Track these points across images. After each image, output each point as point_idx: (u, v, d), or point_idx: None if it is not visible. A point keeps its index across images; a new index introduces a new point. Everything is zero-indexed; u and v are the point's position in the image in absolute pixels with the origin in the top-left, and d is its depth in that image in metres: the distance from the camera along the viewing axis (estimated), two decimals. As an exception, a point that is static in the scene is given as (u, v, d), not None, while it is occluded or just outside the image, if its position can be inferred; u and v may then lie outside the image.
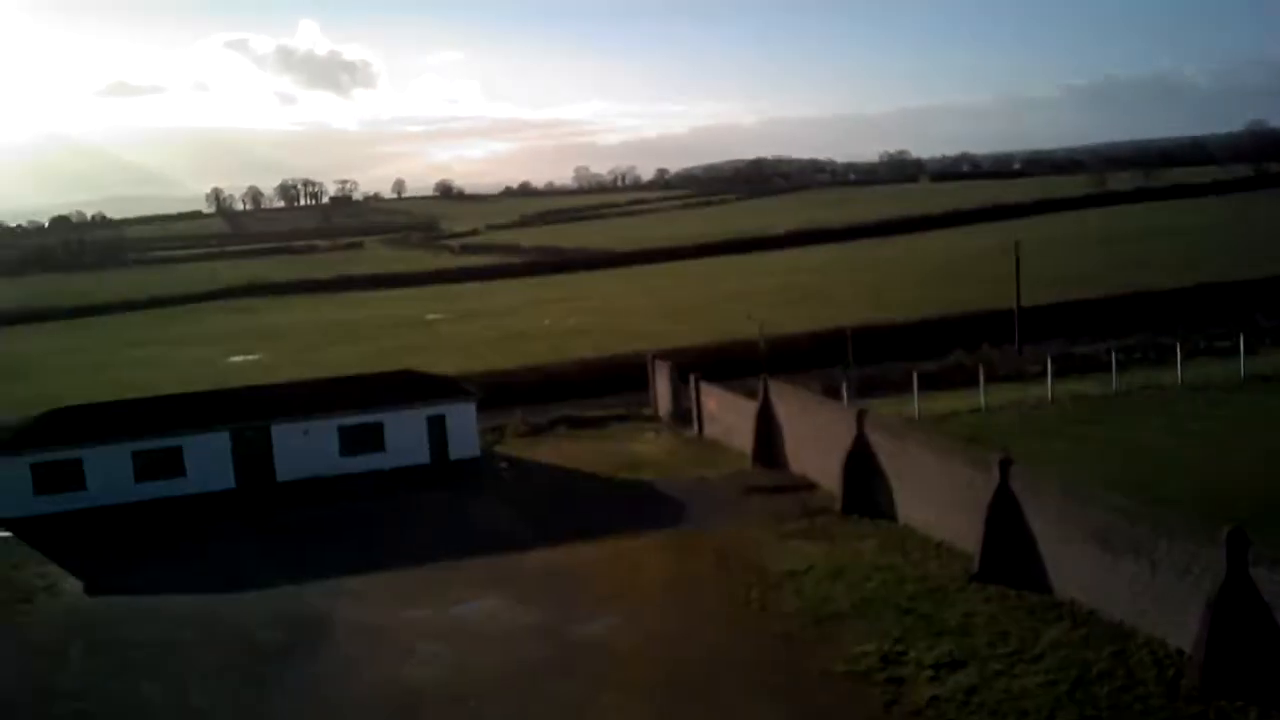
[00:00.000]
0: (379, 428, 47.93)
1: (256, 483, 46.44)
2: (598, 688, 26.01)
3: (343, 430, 47.53)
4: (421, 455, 48.32)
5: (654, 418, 56.14)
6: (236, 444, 46.37)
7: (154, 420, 46.24)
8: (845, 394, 51.45)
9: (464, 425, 49.12)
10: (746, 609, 30.37)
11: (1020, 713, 23.62)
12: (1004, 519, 30.96)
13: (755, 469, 44.67)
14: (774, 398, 45.15)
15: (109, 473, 44.47)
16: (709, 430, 50.90)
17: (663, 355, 57.83)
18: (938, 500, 34.39)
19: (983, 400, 52.09)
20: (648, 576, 33.64)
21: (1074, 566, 28.89)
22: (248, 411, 47.37)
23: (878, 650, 26.82)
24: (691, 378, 52.20)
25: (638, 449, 50.09)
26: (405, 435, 48.09)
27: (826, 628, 28.55)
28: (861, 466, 37.88)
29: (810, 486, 41.43)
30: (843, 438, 38.75)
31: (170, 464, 45.37)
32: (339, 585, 34.43)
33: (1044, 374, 54.10)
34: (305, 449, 46.89)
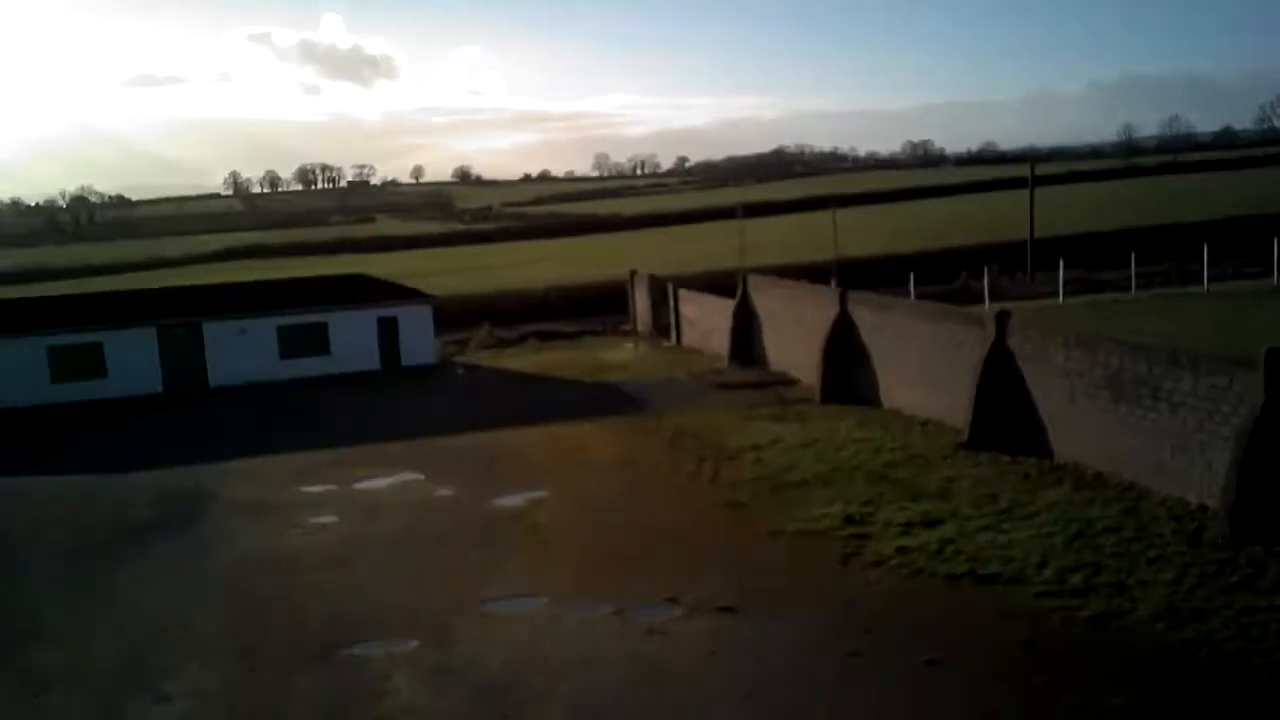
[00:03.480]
0: (323, 329, 43.81)
1: (186, 387, 42.41)
2: (505, 552, 21.74)
3: (283, 331, 43.43)
4: (370, 360, 44.16)
5: (632, 333, 51.72)
6: (164, 343, 42.31)
7: (72, 315, 42.20)
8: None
9: (419, 329, 44.94)
10: (695, 480, 26.02)
11: (1005, 560, 19.21)
12: (998, 378, 26.50)
13: (731, 368, 40.22)
14: (752, 291, 40.68)
15: (22, 371, 40.47)
16: (688, 338, 46.49)
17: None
18: (926, 376, 29.90)
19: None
20: (589, 454, 29.33)
21: (1080, 425, 24.39)
22: (178, 308, 43.29)
23: (841, 512, 22.46)
24: (670, 285, 47.80)
25: (608, 355, 45.72)
26: (352, 338, 43.96)
27: (785, 494, 24.19)
28: (843, 348, 33.39)
29: (790, 382, 36.98)
30: (824, 323, 34.27)
31: (90, 363, 41.40)
32: (238, 466, 30.33)
33: (1056, 293, 49.28)
34: (241, 351, 42.84)
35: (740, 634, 17.07)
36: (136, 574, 22.00)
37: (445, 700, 15.44)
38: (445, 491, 26.55)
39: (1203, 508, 20.82)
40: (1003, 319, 26.62)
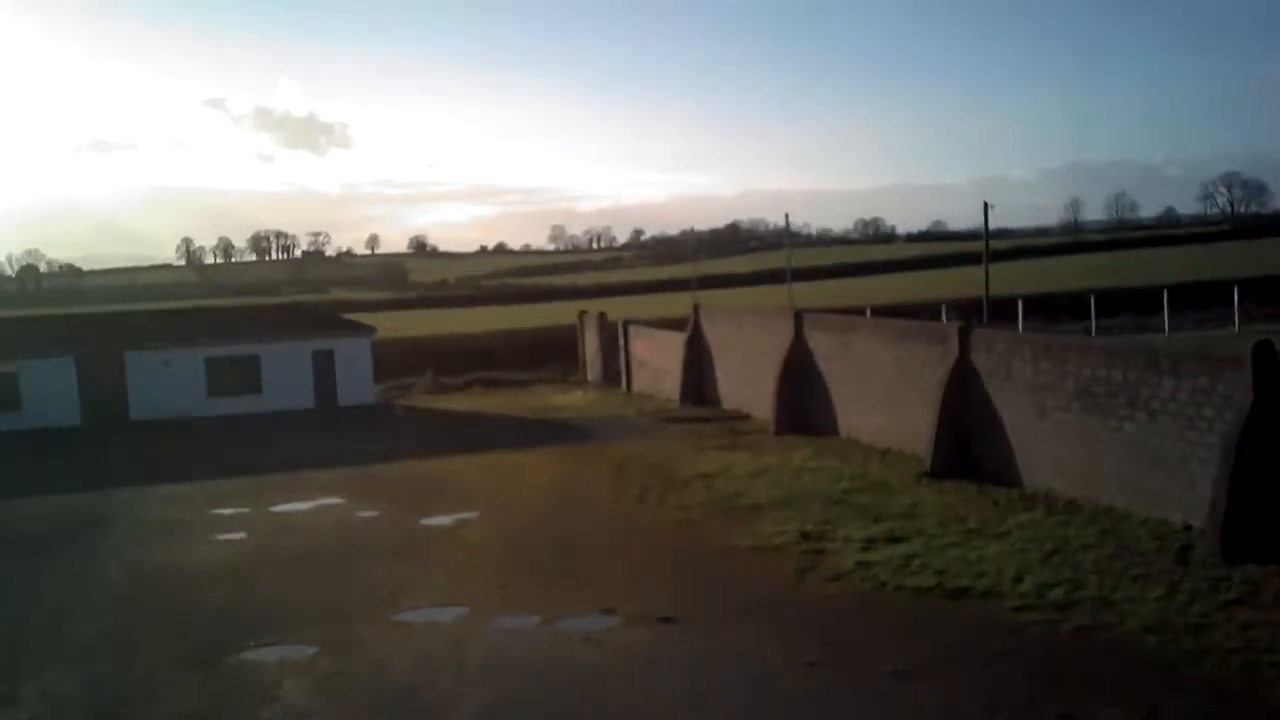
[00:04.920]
0: (254, 362, 41.55)
1: (106, 421, 39.85)
2: (426, 567, 19.64)
3: (211, 364, 41.09)
4: (305, 398, 41.87)
5: (582, 381, 49.81)
6: (83, 372, 39.83)
7: (-16, 341, 39.77)
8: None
9: (357, 364, 42.81)
10: (640, 504, 24.07)
11: (977, 574, 17.42)
12: (962, 399, 24.93)
13: (683, 406, 38.42)
14: (705, 323, 39.09)
15: (-72, 399, 37.89)
16: (639, 382, 44.62)
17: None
18: (888, 402, 28.28)
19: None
20: (527, 479, 27.31)
21: (1050, 445, 22.80)
22: (99, 338, 40.91)
23: (797, 530, 20.62)
24: (620, 324, 46.05)
25: (555, 399, 43.76)
26: (286, 373, 41.71)
27: (737, 515, 22.32)
28: (798, 376, 31.76)
29: (743, 417, 35.23)
30: (779, 351, 32.69)
31: (2, 394, 38.75)
32: (149, 491, 27.95)
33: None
34: (165, 384, 40.40)
35: (684, 644, 15.11)
36: (16, 584, 19.65)
37: (339, 706, 13.31)
38: (368, 513, 24.42)
39: (1187, 528, 19.20)
40: (966, 332, 25.15)
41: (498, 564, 19.58)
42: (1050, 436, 22.78)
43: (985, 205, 61.67)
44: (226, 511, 25.03)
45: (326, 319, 44.48)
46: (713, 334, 38.49)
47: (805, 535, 20.17)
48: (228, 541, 22.26)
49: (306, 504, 25.67)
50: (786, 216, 49.57)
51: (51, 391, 39.21)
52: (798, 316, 32.39)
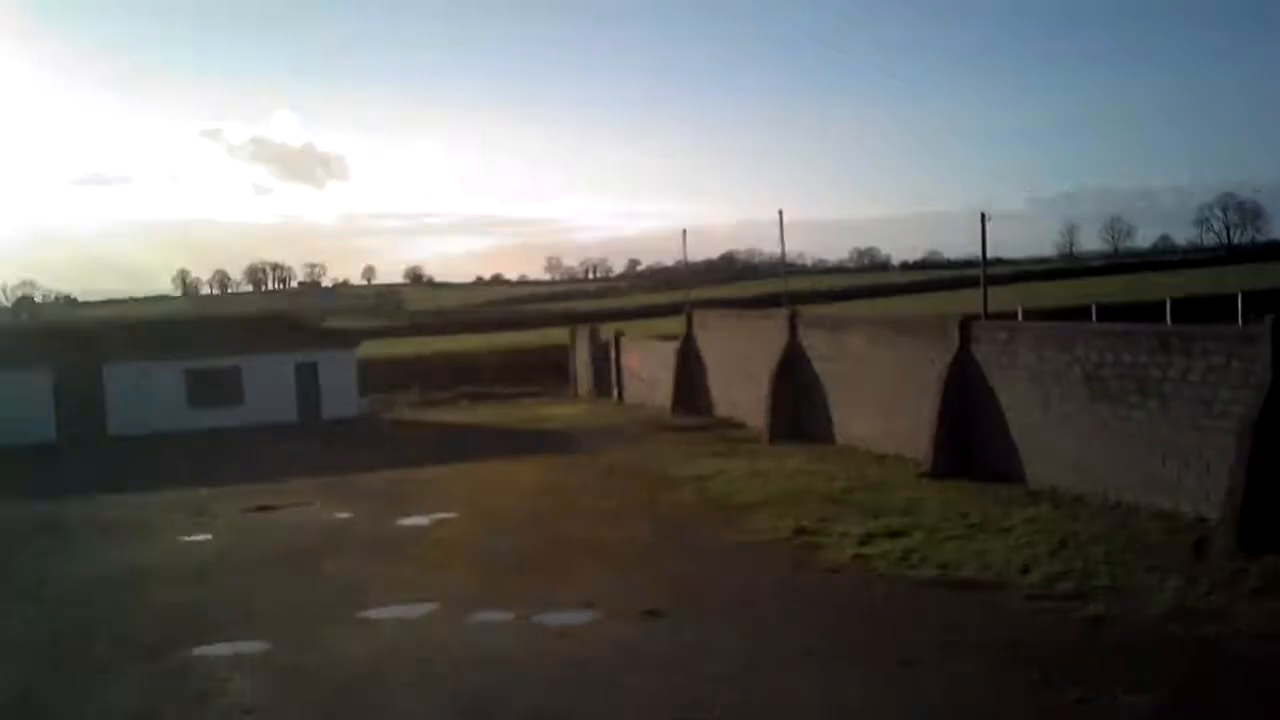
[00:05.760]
0: (235, 375, 40.50)
1: (83, 435, 38.72)
2: (397, 565, 18.53)
3: (191, 376, 40.03)
4: (288, 411, 40.78)
5: (573, 395, 48.78)
6: (58, 386, 38.73)
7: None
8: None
9: (341, 377, 41.79)
10: (628, 505, 22.99)
11: (982, 566, 16.36)
12: (963, 393, 23.93)
13: (675, 415, 37.36)
14: (698, 329, 38.09)
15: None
16: (630, 393, 43.61)
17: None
18: (886, 404, 27.24)
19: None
20: (510, 484, 26.24)
21: (1056, 438, 21.77)
22: (74, 348, 39.86)
23: (792, 526, 19.56)
24: (612, 335, 45.08)
25: (544, 411, 42.69)
26: (268, 386, 40.65)
27: (730, 514, 21.25)
28: (793, 380, 30.75)
29: (737, 425, 34.19)
30: (773, 355, 31.69)
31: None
32: (116, 498, 26.82)
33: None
34: (144, 397, 39.29)
35: (669, 637, 13.99)
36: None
37: (288, 701, 12.19)
38: (343, 515, 23.34)
39: (1201, 520, 18.15)
40: (967, 324, 24.17)
41: (472, 563, 18.49)
42: (1055, 428, 21.76)
43: (982, 215, 61.03)
44: (196, 520, 23.87)
45: (310, 332, 43.48)
46: (705, 341, 37.49)
47: (800, 531, 19.13)
48: (192, 543, 21.15)
49: (277, 508, 24.52)
50: (781, 232, 48.46)
51: (25, 405, 38.04)
52: (792, 317, 31.42)
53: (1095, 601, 14.42)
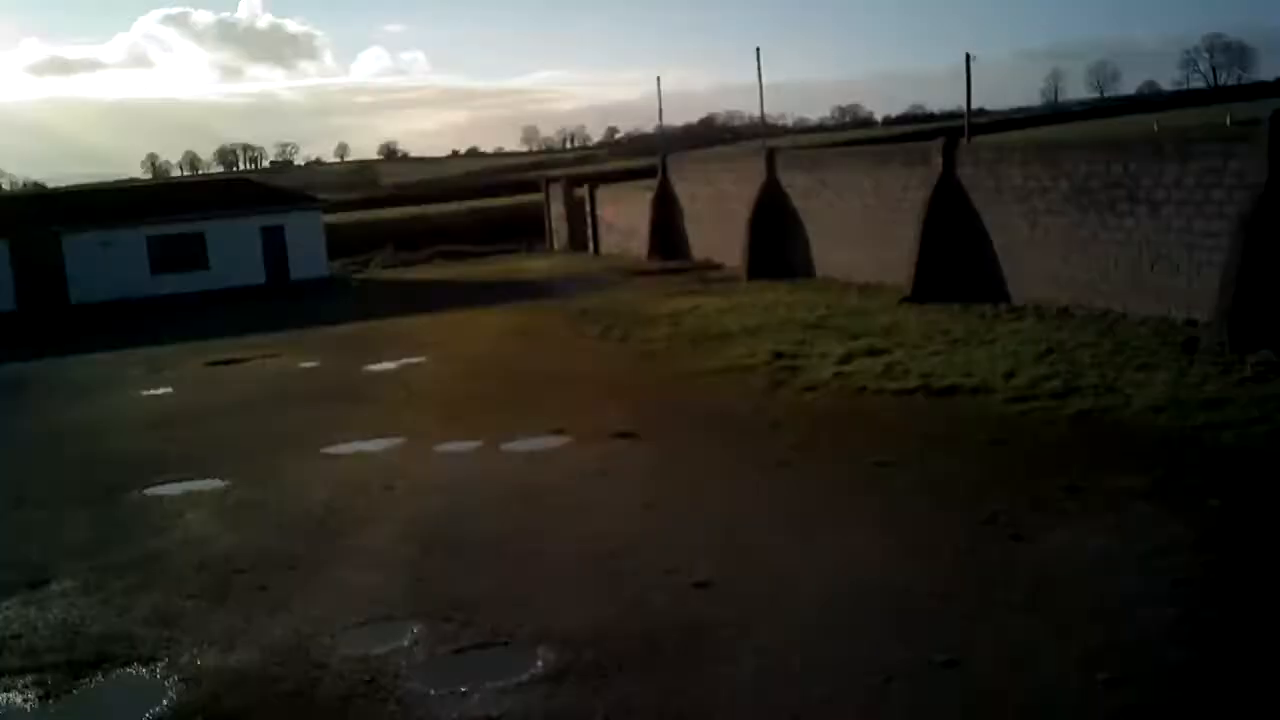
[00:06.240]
0: (199, 239, 39.19)
1: (44, 305, 37.60)
2: (363, 406, 17.87)
3: (153, 242, 38.69)
4: (255, 274, 39.58)
5: (549, 250, 47.73)
6: (17, 256, 37.52)
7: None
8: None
9: (309, 238, 40.51)
10: (601, 341, 22.34)
11: (965, 374, 15.80)
12: (947, 216, 23.13)
13: (651, 260, 36.50)
14: (673, 175, 36.97)
15: None
16: (606, 244, 42.57)
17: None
18: (867, 235, 26.41)
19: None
20: (481, 329, 25.52)
21: (1041, 255, 21.11)
22: (32, 217, 38.53)
23: (769, 350, 18.92)
24: (586, 186, 43.87)
25: (519, 265, 41.74)
26: (234, 249, 39.34)
27: (706, 344, 20.58)
28: (772, 217, 29.82)
29: (715, 267, 33.36)
30: (752, 195, 30.69)
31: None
32: (79, 359, 26.02)
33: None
34: (106, 265, 38.03)
35: (641, 456, 13.45)
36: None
37: (244, 529, 11.64)
38: (309, 364, 22.64)
39: (1191, 323, 17.59)
40: (951, 146, 23.24)
41: (439, 400, 17.88)
42: (1042, 245, 21.07)
43: (966, 56, 59.44)
44: (158, 375, 23.10)
45: (274, 193, 42.09)
46: (682, 187, 36.38)
47: (778, 355, 18.52)
48: (153, 396, 20.47)
49: (242, 360, 23.78)
50: (760, 94, 46.56)
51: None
52: (769, 154, 30.35)
53: (1083, 399, 13.92)
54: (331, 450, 14.91)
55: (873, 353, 17.96)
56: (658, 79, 48.68)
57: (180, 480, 13.87)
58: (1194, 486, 10.37)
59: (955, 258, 22.93)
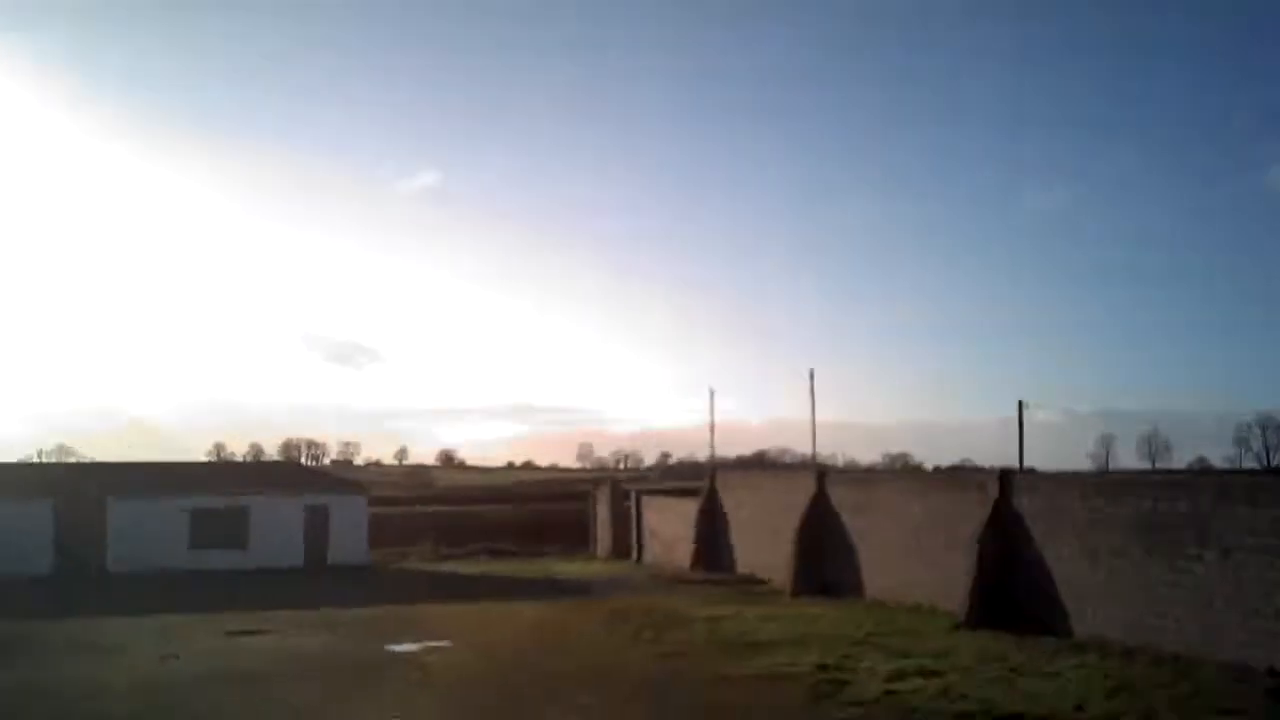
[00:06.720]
0: (242, 515, 39.03)
1: (81, 570, 37.18)
2: (375, 687, 16.77)
3: (196, 515, 38.59)
4: (294, 555, 39.10)
5: (593, 555, 46.80)
6: (60, 520, 37.44)
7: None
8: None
9: (352, 522, 40.23)
10: (633, 641, 21.18)
11: (1030, 701, 14.48)
12: (1002, 544, 22.23)
13: (694, 571, 35.43)
14: (720, 488, 36.55)
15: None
16: (650, 553, 41.64)
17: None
18: (918, 559, 25.46)
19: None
20: (512, 621, 24.46)
21: (1104, 594, 20.02)
22: (78, 483, 38.68)
23: (814, 661, 17.73)
24: (633, 493, 43.51)
25: (560, 567, 40.79)
26: (275, 528, 39.10)
27: (740, 651, 19.37)
28: (820, 533, 29.03)
29: (759, 581, 32.24)
30: (799, 508, 30.10)
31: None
32: (99, 623, 25.17)
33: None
34: (146, 534, 37.85)
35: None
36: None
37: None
38: (329, 639, 21.61)
39: (1273, 672, 16.23)
40: (1008, 475, 22.68)
41: (457, 688, 16.76)
42: (1104, 581, 20.01)
43: (1020, 404, 60.12)
44: (168, 645, 22.09)
45: (321, 475, 42.22)
46: (729, 499, 35.91)
47: (822, 666, 17.29)
48: (162, 660, 19.46)
49: (258, 634, 22.80)
50: (814, 434, 46.86)
51: (25, 537, 36.66)
52: (820, 472, 29.98)
53: (1162, 741, 12.55)
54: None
55: (925, 673, 16.67)
56: (710, 402, 49.00)
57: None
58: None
59: (1011, 587, 21.85)
